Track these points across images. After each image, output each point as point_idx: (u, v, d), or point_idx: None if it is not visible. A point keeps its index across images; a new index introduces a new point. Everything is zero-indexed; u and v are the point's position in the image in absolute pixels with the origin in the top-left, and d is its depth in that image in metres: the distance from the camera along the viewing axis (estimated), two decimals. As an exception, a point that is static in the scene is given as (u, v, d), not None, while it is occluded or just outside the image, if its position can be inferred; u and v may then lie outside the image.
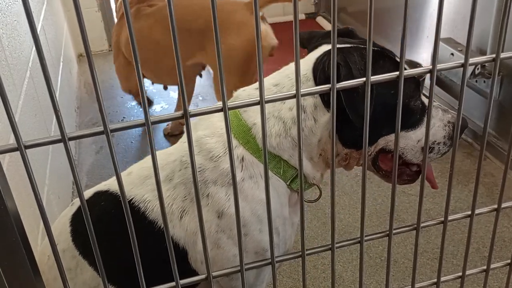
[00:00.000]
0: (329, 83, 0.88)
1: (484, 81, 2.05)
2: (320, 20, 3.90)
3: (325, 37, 1.06)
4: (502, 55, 0.71)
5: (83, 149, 2.42)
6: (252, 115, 0.94)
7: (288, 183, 0.96)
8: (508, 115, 2.05)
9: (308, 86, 0.94)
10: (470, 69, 1.99)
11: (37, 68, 1.85)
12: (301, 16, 3.90)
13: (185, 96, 0.59)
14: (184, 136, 1.01)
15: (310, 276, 1.58)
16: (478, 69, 1.99)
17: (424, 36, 2.57)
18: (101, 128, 0.60)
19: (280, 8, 3.77)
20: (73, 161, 0.62)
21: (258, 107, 0.92)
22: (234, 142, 0.93)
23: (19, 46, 1.65)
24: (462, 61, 0.69)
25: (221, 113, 0.98)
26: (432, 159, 1.00)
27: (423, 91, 1.02)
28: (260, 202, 0.92)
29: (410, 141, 0.96)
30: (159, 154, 0.95)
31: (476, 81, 2.09)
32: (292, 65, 1.01)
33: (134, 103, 2.89)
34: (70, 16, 3.47)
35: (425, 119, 0.95)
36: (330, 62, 0.90)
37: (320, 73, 0.92)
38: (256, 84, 1.00)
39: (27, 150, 0.58)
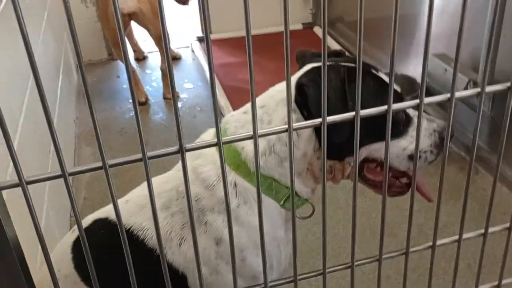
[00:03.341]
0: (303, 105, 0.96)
1: (477, 97, 2.08)
2: (318, 30, 3.92)
3: (314, 56, 1.09)
4: (487, 88, 0.74)
5: (82, 160, 2.45)
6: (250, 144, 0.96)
7: (281, 204, 0.98)
8: (500, 130, 2.07)
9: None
10: (462, 85, 2.02)
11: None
12: (298, 26, 3.93)
13: (180, 131, 0.62)
14: (179, 164, 1.04)
15: (305, 292, 1.61)
16: (470, 85, 2.02)
17: (420, 50, 2.60)
18: (100, 164, 0.63)
19: (277, 17, 3.78)
20: (73, 196, 0.64)
21: (246, 129, 0.96)
22: (226, 168, 0.94)
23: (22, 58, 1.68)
24: (449, 95, 0.72)
25: (210, 136, 1.01)
26: (420, 168, 1.01)
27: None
28: (256, 228, 0.94)
29: (395, 148, 0.97)
30: (153, 181, 0.97)
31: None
32: (277, 85, 1.03)
33: (132, 113, 2.90)
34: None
35: (410, 129, 0.97)
36: (301, 84, 0.94)
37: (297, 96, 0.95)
38: (244, 108, 1.03)
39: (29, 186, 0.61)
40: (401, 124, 0.97)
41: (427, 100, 0.72)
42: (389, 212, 1.94)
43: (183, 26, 4.00)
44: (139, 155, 0.64)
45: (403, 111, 0.97)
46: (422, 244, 0.86)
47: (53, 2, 2.91)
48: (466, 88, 2.04)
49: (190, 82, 3.30)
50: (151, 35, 2.94)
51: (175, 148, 0.63)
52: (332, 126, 0.88)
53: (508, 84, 0.74)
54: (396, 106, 0.71)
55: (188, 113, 2.88)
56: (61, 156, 0.62)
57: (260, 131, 0.67)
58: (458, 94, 0.74)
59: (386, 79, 1.00)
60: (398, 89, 1.01)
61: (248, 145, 0.94)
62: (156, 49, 3.26)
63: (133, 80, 2.83)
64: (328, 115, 0.92)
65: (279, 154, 0.94)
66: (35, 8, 2.39)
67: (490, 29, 0.67)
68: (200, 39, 3.76)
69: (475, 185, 2.08)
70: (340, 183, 1.05)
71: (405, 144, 0.97)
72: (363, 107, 0.89)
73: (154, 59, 3.53)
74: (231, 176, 0.95)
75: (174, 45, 3.73)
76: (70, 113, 2.72)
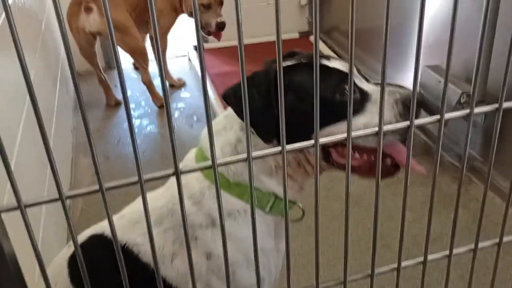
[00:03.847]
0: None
1: (467, 117, 2.11)
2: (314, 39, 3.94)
3: (272, 62, 1.08)
4: (477, 109, 0.76)
5: (79, 171, 2.46)
6: (217, 151, 0.95)
7: (268, 211, 0.97)
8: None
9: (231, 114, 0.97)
10: (455, 97, 2.05)
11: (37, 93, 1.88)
12: (294, 35, 3.96)
13: (176, 156, 0.64)
14: (169, 182, 1.05)
15: (299, 303, 1.62)
16: (463, 98, 2.05)
17: (413, 60, 2.62)
18: (96, 187, 0.64)
19: (273, 26, 3.79)
20: (71, 220, 0.66)
21: (217, 139, 0.96)
22: (207, 182, 0.96)
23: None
24: (438, 116, 0.74)
25: (192, 157, 1.01)
26: (390, 141, 0.93)
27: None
28: (244, 240, 0.95)
29: (355, 127, 0.90)
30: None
31: (463, 107, 2.15)
32: None
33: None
34: (68, 36, 3.51)
35: (368, 105, 0.91)
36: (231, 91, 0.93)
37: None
38: (216, 119, 1.02)
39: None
40: (357, 102, 0.92)
41: (417, 122, 0.74)
42: (383, 223, 1.96)
43: (180, 35, 4.01)
44: (135, 178, 0.65)
45: (357, 88, 0.93)
46: (416, 255, 0.87)
47: (51, 12, 2.93)
48: (459, 101, 2.06)
49: (187, 91, 3.31)
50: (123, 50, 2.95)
51: (170, 171, 0.65)
52: (255, 120, 0.81)
53: (497, 105, 0.76)
54: (389, 127, 0.72)
55: (185, 122, 2.90)
56: (59, 179, 0.63)
57: (253, 154, 0.68)
58: (447, 115, 0.75)
59: (329, 64, 0.96)
60: (342, 68, 0.95)
61: (221, 154, 0.95)
62: (153, 58, 3.26)
63: (103, 85, 2.79)
64: (251, 115, 0.91)
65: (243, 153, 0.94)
66: (33, 18, 2.41)
67: (479, 47, 0.69)
68: (196, 48, 3.78)
69: (468, 195, 2.10)
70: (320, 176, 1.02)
71: (364, 120, 0.91)
72: (305, 96, 0.87)
73: (151, 67, 3.55)
74: (212, 190, 0.95)
75: (171, 54, 3.73)
76: (68, 123, 2.74)
